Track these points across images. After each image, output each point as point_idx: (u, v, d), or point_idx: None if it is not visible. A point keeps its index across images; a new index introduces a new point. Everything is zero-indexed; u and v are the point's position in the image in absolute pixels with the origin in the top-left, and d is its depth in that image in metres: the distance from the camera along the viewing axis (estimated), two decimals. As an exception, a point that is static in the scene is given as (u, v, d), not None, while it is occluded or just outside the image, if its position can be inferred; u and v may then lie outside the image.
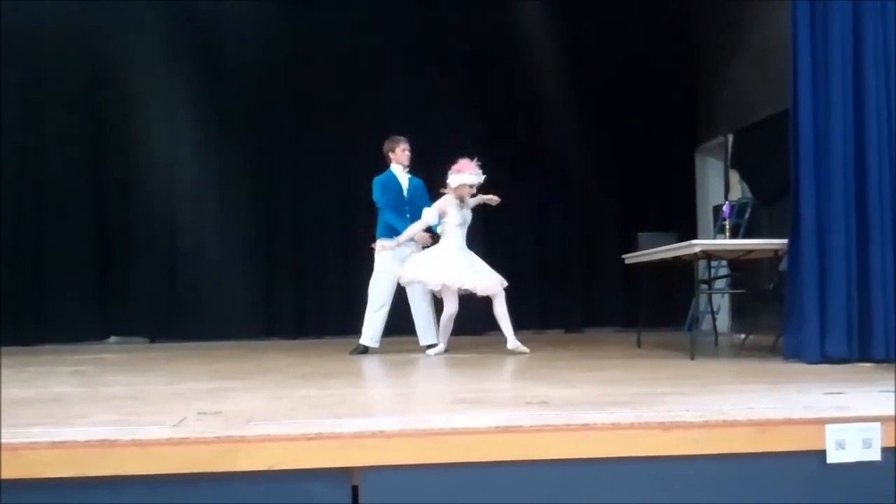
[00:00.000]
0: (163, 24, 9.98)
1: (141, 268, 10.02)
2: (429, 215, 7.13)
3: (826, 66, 5.62)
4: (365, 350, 7.34)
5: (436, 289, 7.06)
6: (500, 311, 7.13)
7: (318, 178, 10.33)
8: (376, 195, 7.47)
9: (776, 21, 7.44)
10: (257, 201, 10.31)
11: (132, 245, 10.04)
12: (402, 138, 7.60)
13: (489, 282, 7.04)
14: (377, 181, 7.50)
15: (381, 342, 7.46)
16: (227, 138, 10.15)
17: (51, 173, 9.87)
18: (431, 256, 7.10)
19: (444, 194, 7.11)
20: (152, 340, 9.94)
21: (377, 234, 7.49)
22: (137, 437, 2.77)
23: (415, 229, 7.18)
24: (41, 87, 9.89)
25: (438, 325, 7.26)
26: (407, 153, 7.56)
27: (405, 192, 7.51)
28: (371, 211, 7.65)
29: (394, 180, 7.52)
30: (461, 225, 7.09)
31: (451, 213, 7.05)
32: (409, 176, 7.59)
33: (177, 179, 10.13)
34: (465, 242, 7.13)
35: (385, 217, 7.41)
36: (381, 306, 7.40)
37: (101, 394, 4.44)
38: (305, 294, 10.36)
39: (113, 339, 10.04)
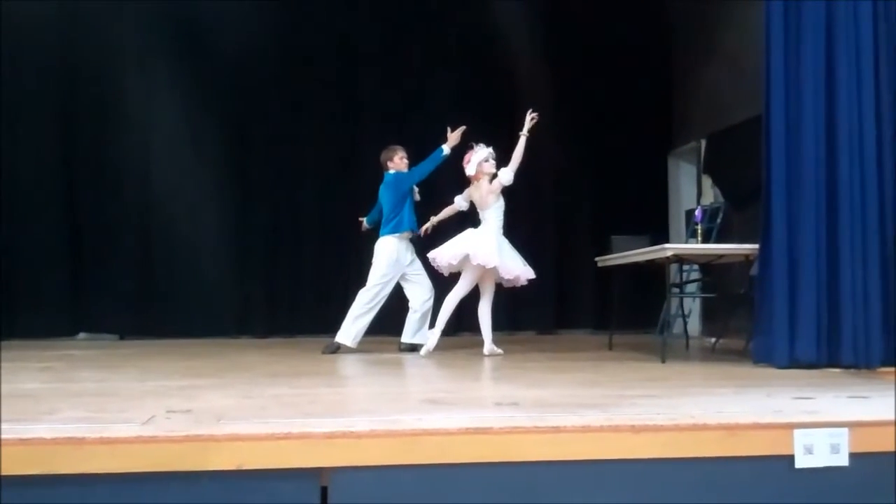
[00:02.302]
0: (136, 13, 9.86)
1: (111, 264, 9.88)
2: (458, 201, 7.32)
3: (798, 68, 5.67)
4: (337, 349, 7.33)
5: (488, 266, 6.91)
6: (485, 313, 7.16)
7: (293, 177, 10.26)
8: (405, 186, 7.46)
9: (750, 25, 7.48)
10: (230, 199, 10.20)
11: (103, 241, 9.89)
12: (399, 147, 7.67)
13: (522, 271, 7.09)
14: (398, 175, 7.51)
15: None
16: (200, 136, 10.04)
17: (21, 168, 9.71)
18: (480, 237, 7.05)
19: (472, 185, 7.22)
20: (122, 337, 9.82)
21: (381, 233, 7.51)
22: (106, 434, 2.75)
23: (447, 212, 7.43)
24: (12, 81, 9.72)
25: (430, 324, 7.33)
26: (406, 160, 7.62)
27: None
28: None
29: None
30: (499, 208, 7.12)
31: (488, 198, 7.08)
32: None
33: (149, 176, 9.99)
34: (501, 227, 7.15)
35: (422, 172, 7.42)
36: (371, 309, 7.40)
37: (69, 390, 4.39)
38: (278, 292, 10.28)
39: (82, 335, 9.91)
